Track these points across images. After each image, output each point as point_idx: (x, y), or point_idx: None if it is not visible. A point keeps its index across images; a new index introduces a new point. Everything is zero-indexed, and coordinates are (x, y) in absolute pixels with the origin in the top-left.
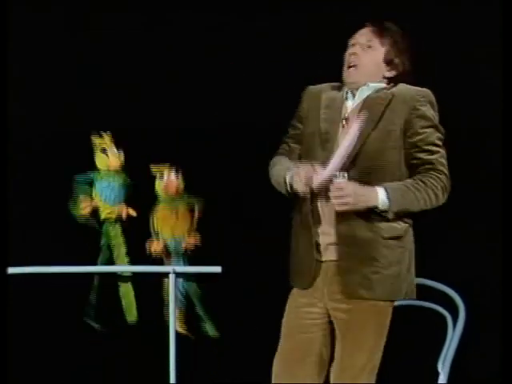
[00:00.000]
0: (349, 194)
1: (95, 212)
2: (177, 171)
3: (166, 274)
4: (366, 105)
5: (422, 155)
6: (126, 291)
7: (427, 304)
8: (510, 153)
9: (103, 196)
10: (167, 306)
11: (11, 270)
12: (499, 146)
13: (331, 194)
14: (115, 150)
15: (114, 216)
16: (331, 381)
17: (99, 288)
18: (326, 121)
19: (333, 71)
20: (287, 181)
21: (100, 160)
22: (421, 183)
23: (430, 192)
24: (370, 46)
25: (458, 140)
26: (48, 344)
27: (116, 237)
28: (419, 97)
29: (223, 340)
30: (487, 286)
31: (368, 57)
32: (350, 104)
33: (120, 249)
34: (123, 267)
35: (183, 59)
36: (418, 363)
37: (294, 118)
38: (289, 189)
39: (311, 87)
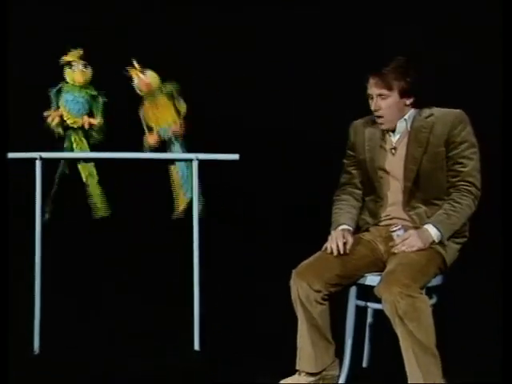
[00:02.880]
0: (414, 244)
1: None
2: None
3: None
4: (413, 134)
5: (456, 167)
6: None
7: None
8: (510, 153)
9: (67, 107)
10: None
11: (11, 155)
12: (499, 146)
13: (398, 245)
14: (82, 66)
15: (76, 126)
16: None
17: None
18: (370, 151)
19: None
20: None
21: (67, 74)
22: (456, 204)
23: (466, 208)
24: (382, 95)
25: None
26: None
27: (80, 142)
28: (456, 120)
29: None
30: (487, 286)
31: (386, 104)
32: (395, 136)
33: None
34: (143, 154)
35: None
36: None
37: (347, 149)
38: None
39: (355, 122)
